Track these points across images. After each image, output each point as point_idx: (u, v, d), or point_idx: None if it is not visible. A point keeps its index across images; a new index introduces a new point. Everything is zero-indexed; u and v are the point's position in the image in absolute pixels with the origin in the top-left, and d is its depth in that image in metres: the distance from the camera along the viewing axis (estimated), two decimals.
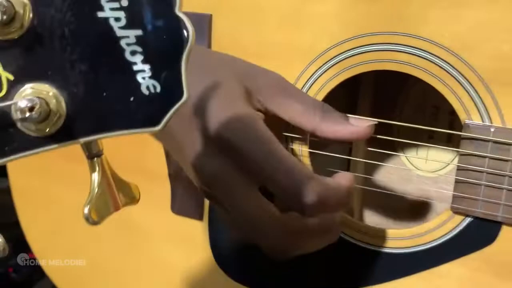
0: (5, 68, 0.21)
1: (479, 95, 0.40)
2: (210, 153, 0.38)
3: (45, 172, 0.63)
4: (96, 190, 0.26)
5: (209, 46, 0.49)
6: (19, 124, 0.22)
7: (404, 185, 0.55)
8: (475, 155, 0.41)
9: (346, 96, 0.56)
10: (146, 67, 0.23)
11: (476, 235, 0.42)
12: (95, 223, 0.26)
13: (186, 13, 0.51)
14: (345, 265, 0.47)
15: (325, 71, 0.46)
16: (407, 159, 0.56)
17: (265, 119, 0.40)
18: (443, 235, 0.43)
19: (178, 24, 0.22)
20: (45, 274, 1.50)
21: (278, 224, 0.37)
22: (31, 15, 0.21)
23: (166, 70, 0.23)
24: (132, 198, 0.27)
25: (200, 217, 0.54)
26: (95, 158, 0.26)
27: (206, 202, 0.53)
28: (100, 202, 0.26)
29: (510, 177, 0.40)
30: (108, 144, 0.26)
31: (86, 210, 0.25)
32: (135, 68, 0.22)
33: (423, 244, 0.44)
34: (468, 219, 0.42)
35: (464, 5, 0.40)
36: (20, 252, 1.53)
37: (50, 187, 0.63)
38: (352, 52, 0.44)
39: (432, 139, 0.53)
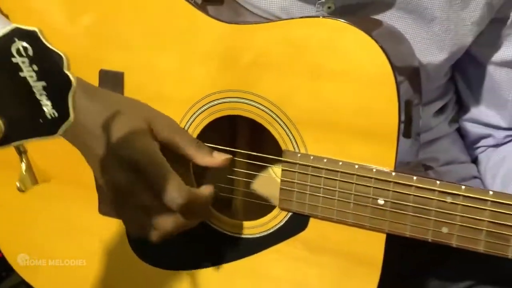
0: None
1: (291, 133, 0.62)
2: (115, 167, 0.59)
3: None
4: (24, 173, 0.47)
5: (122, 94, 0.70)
6: None
7: (270, 190, 0.77)
8: (288, 171, 0.62)
9: (229, 129, 0.76)
10: (49, 102, 0.41)
11: (295, 224, 0.64)
12: (23, 191, 0.46)
13: (105, 71, 0.74)
14: (214, 247, 0.68)
15: (199, 114, 0.67)
16: (273, 171, 0.77)
17: (161, 149, 0.61)
18: (275, 225, 0.65)
19: (66, 77, 0.41)
20: (12, 273, 1.72)
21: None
22: None
23: (60, 103, 0.41)
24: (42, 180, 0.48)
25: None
26: (22, 154, 0.47)
27: None
28: (26, 180, 0.47)
29: (311, 186, 0.62)
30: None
31: (18, 184, 0.47)
32: (42, 103, 0.41)
33: (263, 231, 0.66)
34: (289, 214, 0.64)
35: (284, 75, 0.62)
36: None
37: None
38: (216, 102, 0.66)
39: None
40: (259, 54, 0.63)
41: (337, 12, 0.67)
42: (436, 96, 0.77)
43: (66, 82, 0.41)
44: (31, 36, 0.40)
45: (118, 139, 0.59)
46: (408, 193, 0.57)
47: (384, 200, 0.58)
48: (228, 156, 0.65)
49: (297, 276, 0.65)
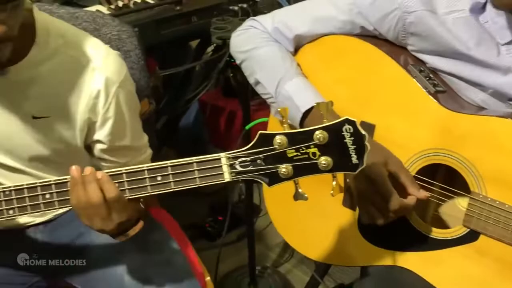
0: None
1: (478, 180, 1.02)
2: (364, 181, 1.05)
3: None
4: (334, 186, 0.89)
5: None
6: (320, 166, 0.87)
7: (455, 212, 1.17)
8: (473, 204, 1.03)
9: (432, 171, 1.17)
10: (355, 156, 0.84)
11: (470, 236, 1.04)
12: (333, 196, 0.90)
13: (364, 122, 1.28)
14: (417, 240, 1.11)
15: (418, 160, 1.10)
16: (458, 201, 1.17)
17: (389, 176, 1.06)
18: (457, 235, 1.06)
19: (365, 146, 0.83)
20: (230, 230, 2.37)
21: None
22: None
23: (360, 157, 0.84)
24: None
25: (354, 209, 1.20)
26: (334, 177, 0.88)
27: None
28: (335, 191, 0.88)
29: (485, 215, 1.01)
30: None
31: (332, 191, 0.89)
32: (351, 156, 0.84)
33: (450, 236, 1.07)
34: (468, 229, 1.04)
35: (480, 146, 1.02)
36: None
37: None
38: (431, 154, 1.08)
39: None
40: (466, 131, 1.04)
41: None
42: None
43: (365, 148, 0.82)
44: (352, 123, 0.80)
45: (368, 166, 1.05)
46: None
47: None
48: (428, 194, 1.08)
49: (465, 269, 1.05)
